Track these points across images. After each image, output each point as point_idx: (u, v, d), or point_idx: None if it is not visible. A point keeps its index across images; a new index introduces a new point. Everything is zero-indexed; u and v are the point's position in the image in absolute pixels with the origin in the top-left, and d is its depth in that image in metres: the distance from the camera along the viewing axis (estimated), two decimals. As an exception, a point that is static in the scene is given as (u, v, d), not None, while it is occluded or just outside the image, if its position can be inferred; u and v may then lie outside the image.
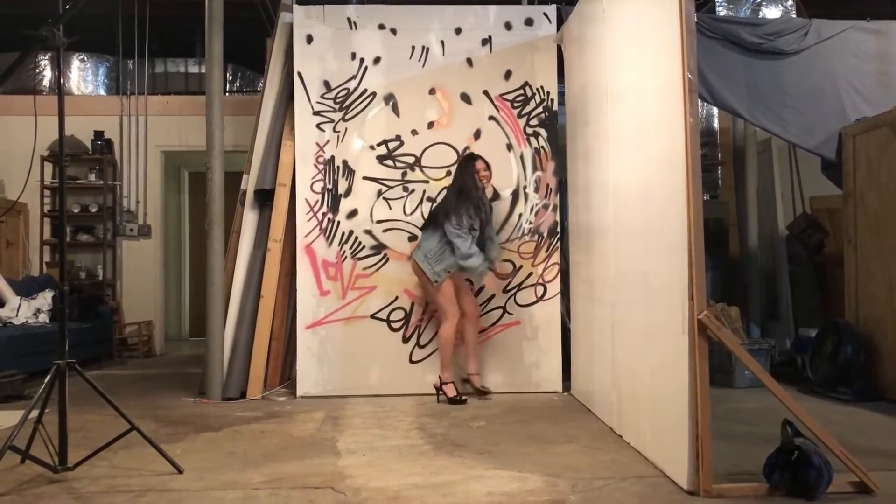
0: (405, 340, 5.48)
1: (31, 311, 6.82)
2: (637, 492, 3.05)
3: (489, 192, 5.39)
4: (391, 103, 5.56)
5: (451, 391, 5.06)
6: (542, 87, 5.60)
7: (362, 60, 5.57)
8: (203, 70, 7.53)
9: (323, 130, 5.53)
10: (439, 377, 5.14)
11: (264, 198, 5.68)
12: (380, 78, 5.57)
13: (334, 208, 5.51)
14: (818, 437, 2.98)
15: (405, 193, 5.53)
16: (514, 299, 5.53)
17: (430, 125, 5.56)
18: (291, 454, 3.73)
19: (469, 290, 5.34)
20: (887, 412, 4.61)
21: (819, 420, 3.09)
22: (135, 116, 8.37)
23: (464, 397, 5.03)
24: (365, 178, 5.53)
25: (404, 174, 5.52)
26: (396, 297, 5.48)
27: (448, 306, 5.12)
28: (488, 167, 5.19)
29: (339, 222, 5.50)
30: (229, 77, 8.84)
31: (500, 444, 3.90)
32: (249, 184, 5.72)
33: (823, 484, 2.89)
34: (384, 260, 5.48)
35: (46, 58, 8.31)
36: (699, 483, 2.95)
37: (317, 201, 5.50)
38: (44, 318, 6.85)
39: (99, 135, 8.15)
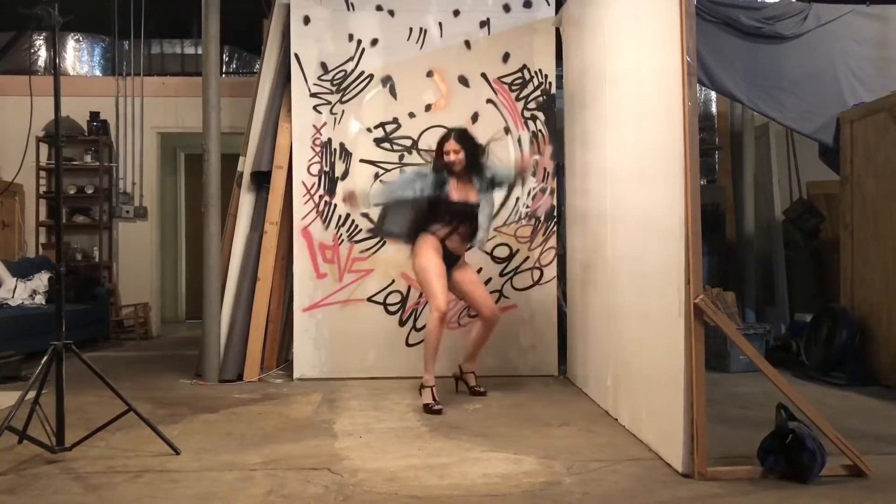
0: (402, 323, 5.49)
1: (27, 292, 6.81)
2: (632, 474, 3.07)
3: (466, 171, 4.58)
4: (388, 85, 5.54)
5: (426, 397, 4.37)
6: (540, 71, 5.58)
7: (359, 42, 5.54)
8: (199, 51, 7.48)
9: (320, 112, 5.51)
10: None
11: (261, 180, 5.66)
12: (377, 60, 5.54)
13: (331, 191, 5.50)
14: (812, 421, 3.00)
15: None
16: (511, 283, 5.54)
17: (428, 108, 5.54)
18: (288, 436, 3.75)
19: (479, 285, 4.78)
20: (881, 396, 4.64)
21: (813, 404, 3.11)
22: (131, 97, 8.33)
23: (438, 407, 4.26)
24: (362, 160, 5.51)
25: (401, 157, 5.50)
26: (393, 281, 5.48)
27: (433, 290, 4.39)
28: (462, 147, 4.48)
29: (335, 205, 5.49)
30: (226, 58, 8.79)
31: (496, 427, 3.91)
32: (246, 166, 5.70)
33: (817, 467, 2.91)
34: (381, 243, 5.47)
35: (41, 38, 8.25)
36: (694, 466, 2.97)
37: (314, 184, 5.49)
38: (40, 299, 6.84)
39: (95, 116, 8.12)
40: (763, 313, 7.07)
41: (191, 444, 3.53)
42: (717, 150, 7.69)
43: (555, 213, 5.58)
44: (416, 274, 4.53)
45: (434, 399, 4.34)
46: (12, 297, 6.69)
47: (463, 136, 4.55)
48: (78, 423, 3.76)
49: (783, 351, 6.08)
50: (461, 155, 4.47)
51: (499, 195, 5.00)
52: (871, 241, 5.14)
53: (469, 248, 4.63)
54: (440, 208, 4.44)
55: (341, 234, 5.48)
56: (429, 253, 4.44)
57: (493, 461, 3.26)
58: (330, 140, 5.50)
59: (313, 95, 5.51)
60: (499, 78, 5.57)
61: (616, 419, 4.02)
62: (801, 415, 3.03)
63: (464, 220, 4.52)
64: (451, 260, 4.56)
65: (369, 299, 5.48)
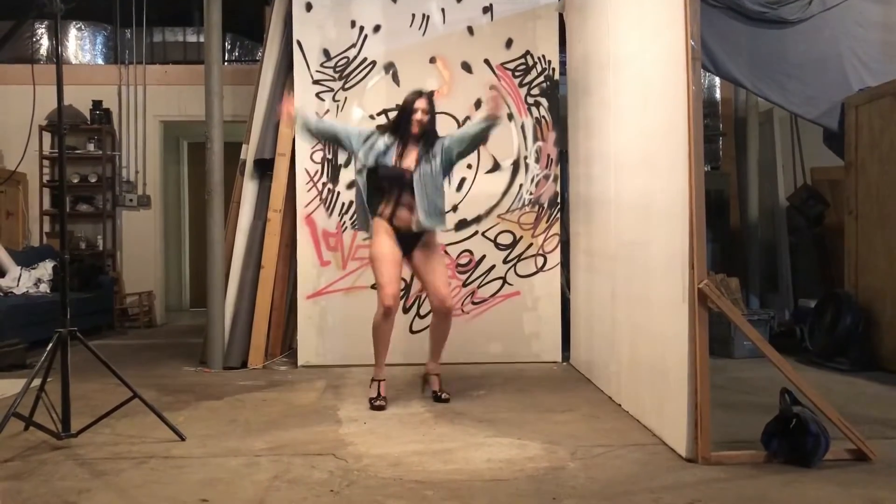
0: (405, 311, 5.49)
1: (31, 281, 6.83)
2: (636, 459, 3.07)
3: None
4: (391, 72, 5.52)
5: (372, 391, 4.15)
6: (543, 56, 5.56)
7: (362, 29, 5.52)
8: (201, 39, 7.46)
9: (322, 100, 5.50)
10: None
11: (264, 168, 5.67)
12: (380, 46, 5.52)
13: (334, 178, 5.49)
14: (816, 406, 3.00)
15: (405, 163, 5.50)
16: (515, 270, 5.53)
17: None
18: (293, 422, 3.76)
19: (435, 271, 4.21)
20: (885, 382, 4.64)
21: (817, 389, 3.11)
22: (133, 86, 8.32)
23: (379, 403, 4.05)
24: (365, 147, 5.49)
25: (405, 144, 5.48)
26: (397, 268, 5.47)
27: (380, 281, 4.09)
28: (430, 110, 4.20)
29: (339, 192, 5.48)
30: (228, 46, 8.77)
31: (501, 413, 3.92)
32: (249, 154, 5.70)
33: (821, 451, 2.91)
34: (384, 230, 5.46)
35: (43, 26, 8.24)
36: (698, 451, 2.97)
37: (317, 171, 5.49)
38: (44, 287, 6.86)
39: (97, 104, 8.11)
40: (767, 299, 7.06)
41: (196, 431, 3.55)
42: (720, 136, 7.66)
43: (558, 200, 5.57)
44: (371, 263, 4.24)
45: (379, 393, 4.11)
46: (17, 285, 6.70)
47: (432, 101, 4.27)
48: (83, 409, 3.78)
49: (787, 337, 6.08)
50: (427, 117, 4.18)
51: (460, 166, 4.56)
52: (876, 226, 5.13)
53: (430, 230, 4.17)
54: (379, 175, 4.12)
55: (345, 222, 5.48)
56: (378, 238, 4.13)
57: (497, 446, 3.27)
58: (333, 127, 5.49)
59: (316, 83, 5.50)
60: (502, 64, 5.55)
61: (620, 405, 4.03)
62: (805, 399, 3.03)
63: (404, 189, 4.12)
64: (410, 239, 4.17)
65: (373, 286, 5.46)
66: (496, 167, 5.49)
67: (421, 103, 4.18)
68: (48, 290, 6.83)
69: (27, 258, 7.15)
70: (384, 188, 4.15)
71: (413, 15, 5.52)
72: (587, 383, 4.71)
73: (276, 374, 5.18)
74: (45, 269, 7.01)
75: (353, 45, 5.51)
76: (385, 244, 4.12)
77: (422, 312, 5.48)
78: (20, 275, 6.81)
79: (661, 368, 3.39)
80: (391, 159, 4.13)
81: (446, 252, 5.36)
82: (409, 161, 4.15)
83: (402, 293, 5.44)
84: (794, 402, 3.05)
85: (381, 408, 4.03)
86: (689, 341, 3.02)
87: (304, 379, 4.95)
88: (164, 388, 4.61)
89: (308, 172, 5.48)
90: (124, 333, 7.60)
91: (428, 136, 4.21)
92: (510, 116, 5.53)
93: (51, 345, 3.28)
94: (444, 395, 4.22)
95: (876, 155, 5.10)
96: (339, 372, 5.17)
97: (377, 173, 4.13)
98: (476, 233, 5.50)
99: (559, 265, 5.56)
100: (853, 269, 5.38)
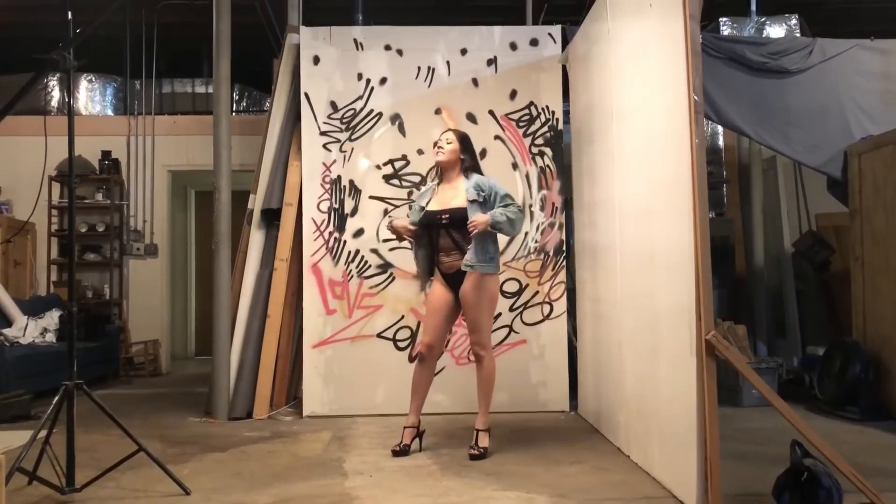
0: (411, 360, 5.45)
1: (38, 330, 6.83)
2: (646, 513, 3.04)
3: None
4: (397, 123, 5.59)
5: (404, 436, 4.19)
6: (547, 107, 5.63)
7: (368, 81, 5.60)
8: (210, 90, 7.58)
9: (329, 150, 5.56)
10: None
11: (271, 217, 5.70)
12: (386, 98, 5.60)
13: (341, 227, 5.52)
14: (827, 458, 2.97)
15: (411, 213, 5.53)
16: (521, 318, 5.52)
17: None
18: (298, 475, 3.72)
19: (473, 308, 4.10)
20: (896, 431, 4.59)
21: (827, 439, 3.07)
22: (142, 136, 8.42)
23: (396, 448, 4.11)
24: (371, 197, 5.55)
25: (410, 193, 5.53)
26: (402, 316, 5.48)
27: (422, 327, 4.37)
28: (458, 142, 4.22)
29: (345, 241, 5.51)
30: (236, 97, 8.89)
31: (508, 465, 3.88)
32: (256, 203, 5.75)
33: (833, 505, 2.87)
34: (390, 279, 5.48)
35: (55, 79, 8.38)
36: (708, 504, 2.94)
37: (323, 220, 5.52)
38: (51, 337, 6.85)
39: (106, 154, 8.21)
40: (774, 346, 7.01)
41: (201, 484, 3.51)
42: (724, 183, 7.69)
43: (564, 248, 5.59)
44: None
45: (401, 440, 4.15)
46: (23, 335, 6.70)
47: (462, 136, 4.28)
48: (88, 462, 3.75)
49: (796, 384, 6.03)
50: (453, 146, 4.19)
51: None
52: (882, 273, 5.12)
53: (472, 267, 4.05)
54: (419, 224, 4.21)
55: (350, 271, 5.50)
56: (431, 287, 4.26)
57: (504, 500, 3.24)
58: (339, 177, 5.54)
59: (323, 133, 5.56)
60: (506, 114, 5.62)
61: (628, 456, 3.98)
62: (816, 451, 3.00)
63: (439, 232, 4.15)
64: (457, 279, 4.13)
65: (379, 335, 5.48)
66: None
67: (444, 136, 4.27)
68: (54, 340, 6.82)
69: (34, 307, 7.16)
70: (424, 235, 4.24)
71: (419, 67, 5.61)
72: (595, 434, 4.67)
73: (281, 424, 5.14)
74: (52, 318, 7.02)
75: (360, 97, 5.59)
76: (434, 293, 4.23)
77: (428, 361, 5.45)
78: (26, 324, 6.81)
79: (669, 419, 3.37)
80: (427, 203, 4.24)
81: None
82: (439, 204, 4.20)
83: (408, 341, 5.43)
84: (804, 455, 3.01)
85: (394, 453, 4.09)
86: (698, 392, 3.00)
87: (309, 430, 4.91)
88: (168, 440, 4.58)
89: (315, 222, 5.51)
90: (129, 382, 7.57)
91: (469, 174, 4.23)
92: (514, 166, 5.58)
93: (56, 398, 3.28)
94: (473, 451, 4.03)
95: (880, 202, 5.12)
96: (345, 422, 5.13)
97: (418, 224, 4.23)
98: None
99: (566, 313, 5.55)
100: (861, 316, 5.36)
